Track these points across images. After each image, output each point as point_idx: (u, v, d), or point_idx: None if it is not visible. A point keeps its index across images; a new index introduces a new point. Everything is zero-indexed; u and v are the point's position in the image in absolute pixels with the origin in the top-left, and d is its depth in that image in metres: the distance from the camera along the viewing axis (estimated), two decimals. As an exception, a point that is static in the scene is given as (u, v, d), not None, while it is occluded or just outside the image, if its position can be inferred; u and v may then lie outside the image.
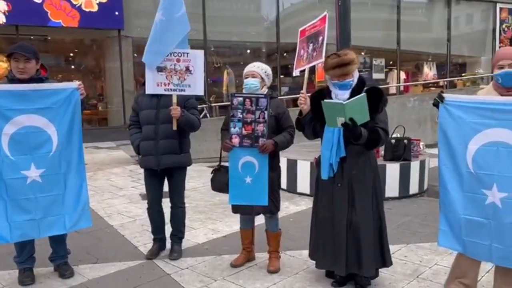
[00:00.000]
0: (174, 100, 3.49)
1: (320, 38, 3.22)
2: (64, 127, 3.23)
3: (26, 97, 3.11)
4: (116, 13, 11.30)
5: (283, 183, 6.08)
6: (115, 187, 6.47)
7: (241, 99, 3.24)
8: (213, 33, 12.61)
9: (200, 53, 3.58)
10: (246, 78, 3.40)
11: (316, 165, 3.24)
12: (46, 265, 3.45)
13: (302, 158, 5.80)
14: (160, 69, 3.51)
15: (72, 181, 3.31)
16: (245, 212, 3.47)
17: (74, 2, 10.88)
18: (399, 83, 14.85)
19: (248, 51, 14.31)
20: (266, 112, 3.21)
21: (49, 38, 12.72)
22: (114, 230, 4.51)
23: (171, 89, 3.51)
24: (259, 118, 3.22)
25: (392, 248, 3.77)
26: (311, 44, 3.34)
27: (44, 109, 3.17)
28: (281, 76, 13.69)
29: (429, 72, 16.32)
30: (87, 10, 11.01)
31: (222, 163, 3.54)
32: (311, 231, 3.28)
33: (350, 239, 2.98)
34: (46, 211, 3.21)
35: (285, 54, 13.57)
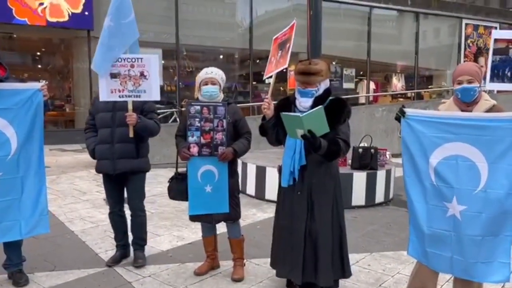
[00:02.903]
0: (130, 106, 3.40)
1: (288, 45, 3.24)
2: (24, 130, 3.11)
3: None
4: (86, 13, 11.06)
5: (252, 190, 6.07)
6: (78, 191, 6.28)
7: (198, 107, 3.20)
8: (186, 37, 12.52)
9: (154, 58, 3.49)
10: (205, 84, 3.32)
11: (279, 172, 3.24)
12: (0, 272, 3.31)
13: (271, 165, 5.80)
14: (113, 75, 3.40)
15: (30, 186, 3.19)
16: (205, 220, 3.42)
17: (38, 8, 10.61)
18: (369, 93, 15.15)
19: (221, 56, 14.27)
20: (224, 120, 3.19)
21: (14, 35, 12.32)
22: (75, 236, 4.36)
23: (126, 95, 3.41)
24: (217, 126, 3.20)
25: (356, 256, 3.84)
26: (280, 51, 3.36)
27: (3, 110, 3.05)
28: (253, 83, 13.73)
29: (397, 83, 16.73)
30: (54, 20, 10.78)
31: (179, 170, 3.47)
32: (272, 239, 3.28)
33: (308, 248, 2.98)
34: (1, 217, 3.08)
35: (258, 61, 13.61)
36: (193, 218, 3.43)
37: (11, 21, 10.38)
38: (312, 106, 2.92)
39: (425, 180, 2.61)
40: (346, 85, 14.61)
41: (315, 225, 2.96)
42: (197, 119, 3.18)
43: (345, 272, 3.09)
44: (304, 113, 2.72)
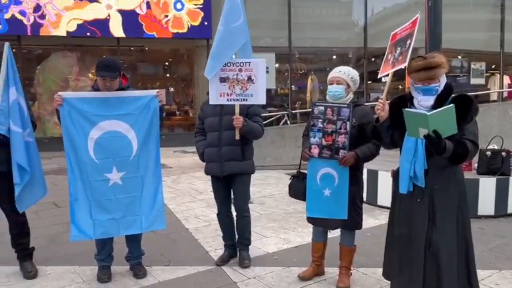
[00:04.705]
0: (237, 110, 3.47)
1: (408, 41, 2.99)
2: (142, 132, 3.39)
3: (109, 103, 3.32)
4: (205, 23, 11.80)
5: (363, 195, 5.80)
6: (195, 191, 6.69)
7: (322, 108, 3.13)
8: (299, 39, 12.59)
9: (262, 62, 3.52)
10: (330, 84, 3.24)
11: (393, 178, 3.01)
12: (123, 264, 3.63)
13: (384, 169, 5.48)
14: (222, 80, 3.50)
15: (149, 184, 3.46)
16: (320, 224, 3.34)
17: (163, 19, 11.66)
18: (502, 88, 13.50)
19: (334, 56, 14.06)
20: (348, 122, 3.06)
21: (146, 48, 13.67)
22: (189, 234, 4.63)
23: (233, 99, 3.49)
24: (340, 128, 3.08)
25: (481, 273, 3.40)
26: (398, 48, 3.12)
27: (126, 115, 3.35)
28: (369, 82, 13.22)
29: (540, 76, 14.64)
30: (174, 31, 11.77)
31: (302, 170, 3.44)
32: (386, 248, 3.05)
33: (429, 261, 2.69)
34: (125, 211, 3.39)
35: (373, 59, 13.09)
36: (311, 220, 3.38)
37: (142, 36, 11.58)
38: (434, 105, 2.65)
39: None
40: (474, 81, 13.25)
41: (437, 236, 2.67)
42: (320, 120, 3.12)
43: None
44: (432, 111, 2.48)
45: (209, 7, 11.78)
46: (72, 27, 11.10)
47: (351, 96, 3.24)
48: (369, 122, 3.16)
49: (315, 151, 3.14)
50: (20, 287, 3.37)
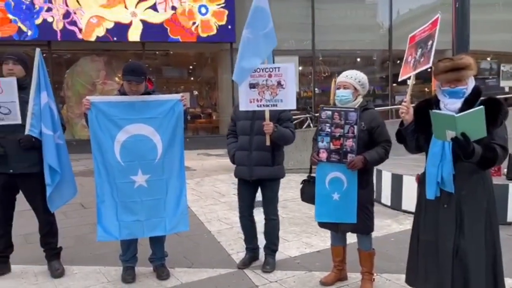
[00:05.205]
0: (267, 115, 3.47)
1: (430, 42, 2.93)
2: (167, 136, 3.44)
3: (135, 107, 3.39)
4: (229, 26, 11.91)
5: (387, 199, 5.74)
6: (218, 193, 6.74)
7: (329, 112, 3.13)
8: (323, 42, 12.55)
9: (291, 67, 3.51)
10: (338, 88, 3.25)
11: (418, 183, 2.96)
12: (146, 265, 3.69)
13: (409, 173, 5.40)
14: (252, 86, 3.51)
15: (173, 187, 3.51)
16: (331, 229, 3.34)
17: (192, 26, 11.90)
18: (534, 91, 13.10)
19: (359, 59, 13.92)
20: (355, 126, 3.05)
21: (171, 52, 13.87)
22: (211, 236, 4.66)
23: (263, 105, 3.49)
24: (348, 132, 3.07)
25: (509, 281, 3.31)
26: (419, 50, 3.06)
27: (151, 118, 3.41)
28: (394, 85, 13.04)
29: None
30: (205, 35, 12.00)
31: (313, 174, 3.44)
32: (409, 254, 2.99)
33: (457, 268, 2.63)
34: (150, 214, 3.45)
35: (398, 62, 12.90)
36: (322, 225, 3.38)
37: (167, 40, 11.78)
38: (461, 108, 2.59)
39: None
40: (504, 83, 12.87)
41: (465, 243, 2.61)
42: (328, 125, 3.13)
43: None
44: (460, 113, 2.42)
45: (232, 4, 11.91)
46: (100, 33, 11.41)
47: (360, 100, 3.22)
48: (378, 126, 3.16)
49: (323, 155, 3.14)
50: (47, 286, 3.47)
